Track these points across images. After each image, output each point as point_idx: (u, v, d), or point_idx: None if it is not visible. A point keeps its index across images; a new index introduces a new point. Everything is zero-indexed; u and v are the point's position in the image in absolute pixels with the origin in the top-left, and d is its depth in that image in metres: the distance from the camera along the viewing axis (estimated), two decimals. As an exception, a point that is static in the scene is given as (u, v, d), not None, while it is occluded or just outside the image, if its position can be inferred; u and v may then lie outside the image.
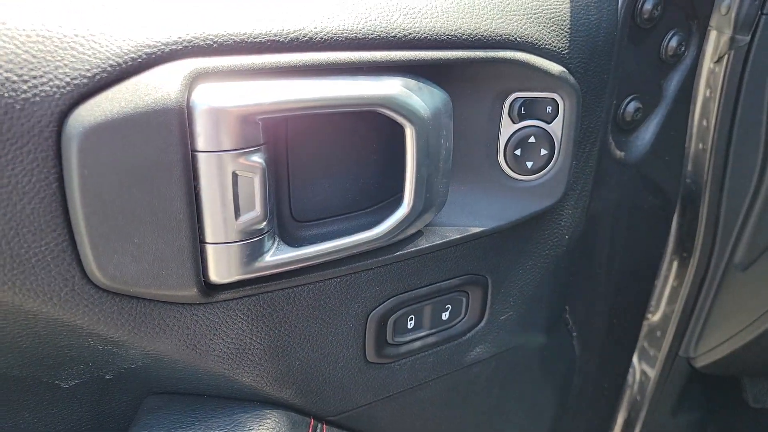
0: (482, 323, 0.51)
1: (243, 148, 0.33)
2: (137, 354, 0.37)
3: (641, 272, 0.71)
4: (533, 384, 0.61)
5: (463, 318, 0.50)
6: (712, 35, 0.55)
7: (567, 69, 0.44)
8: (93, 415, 0.41)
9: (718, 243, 0.65)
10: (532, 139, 0.45)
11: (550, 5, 0.44)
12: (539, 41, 0.43)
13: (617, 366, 0.78)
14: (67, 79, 0.29)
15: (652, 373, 0.78)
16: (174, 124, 0.30)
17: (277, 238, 0.38)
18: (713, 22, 0.55)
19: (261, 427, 0.40)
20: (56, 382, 0.38)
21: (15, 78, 0.28)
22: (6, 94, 0.28)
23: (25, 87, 0.28)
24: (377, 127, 0.41)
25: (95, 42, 0.30)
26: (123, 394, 0.41)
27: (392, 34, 0.37)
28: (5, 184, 0.29)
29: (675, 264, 0.70)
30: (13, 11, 0.29)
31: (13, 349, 0.35)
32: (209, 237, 0.34)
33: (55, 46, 0.29)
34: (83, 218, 0.31)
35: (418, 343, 0.48)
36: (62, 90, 0.29)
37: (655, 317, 0.76)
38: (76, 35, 0.30)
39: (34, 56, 0.29)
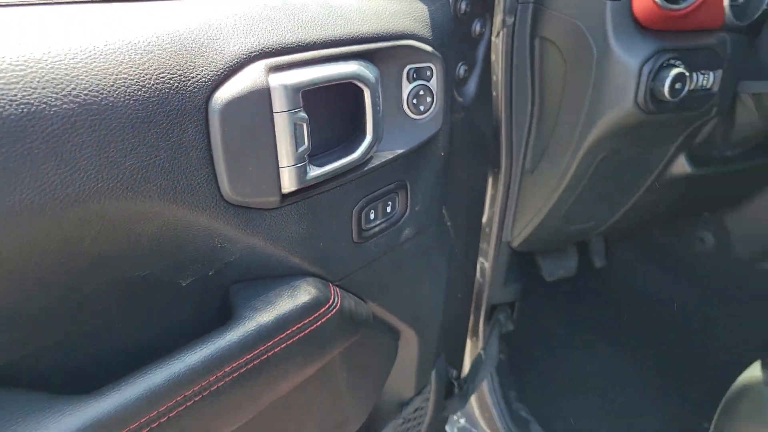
0: (407, 213, 0.81)
1: (295, 109, 0.57)
2: (238, 248, 0.59)
3: (476, 187, 1.06)
4: (437, 255, 0.93)
5: (397, 210, 0.79)
6: (496, 19, 0.91)
7: (434, 48, 0.75)
8: (198, 310, 0.61)
9: (513, 157, 1.02)
10: (421, 92, 0.75)
11: (422, 12, 0.75)
12: (419, 33, 0.73)
13: (471, 255, 1.13)
14: (209, 74, 0.51)
15: (488, 263, 1.15)
16: (264, 97, 0.54)
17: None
18: (495, 10, 0.90)
19: (309, 286, 0.65)
20: (178, 281, 0.58)
21: (185, 75, 0.50)
22: (181, 86, 0.49)
23: (190, 80, 0.50)
24: (346, 94, 0.68)
25: (220, 48, 0.52)
26: (218, 288, 0.62)
27: (351, 36, 0.64)
28: (179, 143, 0.50)
29: (490, 177, 1.06)
30: (170, 25, 0.50)
31: (156, 252, 0.53)
32: (283, 162, 0.58)
33: (200, 50, 0.51)
34: (222, 158, 0.53)
35: (377, 228, 0.76)
36: (207, 81, 0.51)
37: (484, 219, 1.12)
38: (209, 40, 0.52)
39: (189, 58, 0.50)
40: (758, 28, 0.90)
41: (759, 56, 0.89)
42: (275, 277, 0.65)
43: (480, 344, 1.23)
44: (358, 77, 0.63)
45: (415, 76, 0.74)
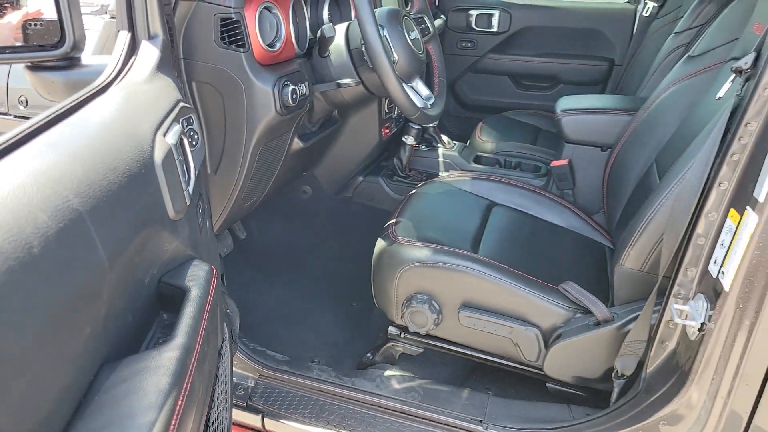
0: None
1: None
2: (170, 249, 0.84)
3: None
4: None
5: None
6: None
7: None
8: (142, 303, 0.76)
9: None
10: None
11: None
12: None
13: None
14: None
15: None
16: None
17: None
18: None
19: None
20: (145, 279, 0.79)
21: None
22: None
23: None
24: None
25: None
26: (153, 281, 0.80)
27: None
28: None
29: None
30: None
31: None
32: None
33: None
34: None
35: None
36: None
37: None
38: None
39: None
40: (310, 53, 1.51)
41: (316, 69, 1.51)
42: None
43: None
44: None
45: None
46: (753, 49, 1.03)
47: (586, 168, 1.85)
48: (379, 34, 1.30)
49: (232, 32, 1.24)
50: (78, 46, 0.95)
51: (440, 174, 2.08)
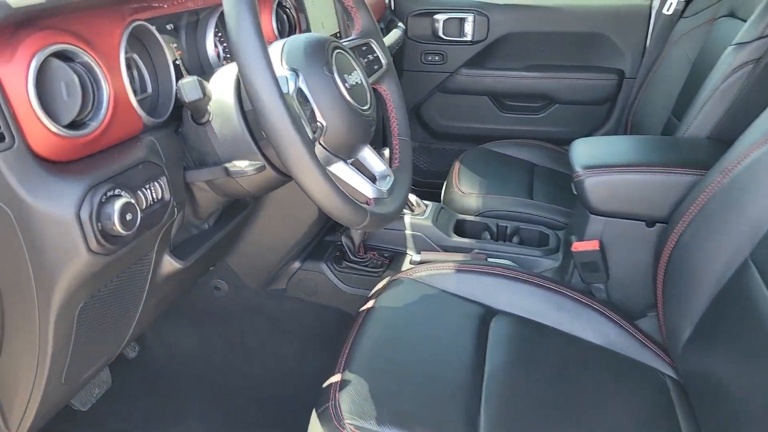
0: None
1: None
2: None
3: None
4: None
5: None
6: None
7: None
8: None
9: None
10: None
11: None
12: None
13: None
14: None
15: None
16: None
17: None
18: None
19: None
20: None
21: None
22: None
23: None
24: None
25: None
26: None
27: None
28: None
29: None
30: None
31: None
32: None
33: None
34: None
35: None
36: None
37: None
38: None
39: None
40: (178, 117, 0.88)
41: (191, 145, 0.87)
42: None
43: None
44: None
45: None
46: None
47: (625, 251, 1.26)
48: (278, 91, 0.68)
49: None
50: None
51: (408, 255, 1.46)
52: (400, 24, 2.02)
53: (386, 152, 1.06)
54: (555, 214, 1.59)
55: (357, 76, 0.89)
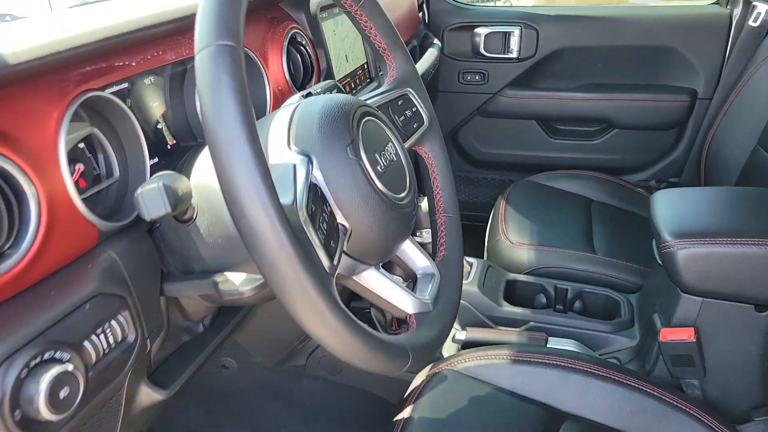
0: None
1: None
2: None
3: None
4: None
5: None
6: None
7: None
8: None
9: None
10: None
11: None
12: None
13: None
14: None
15: None
16: None
17: None
18: None
19: None
20: None
21: None
22: None
23: None
24: None
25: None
26: None
27: None
28: None
29: None
30: None
31: None
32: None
33: None
34: None
35: None
36: None
37: None
38: None
39: None
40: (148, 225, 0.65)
41: (170, 245, 0.65)
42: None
43: None
44: None
45: None
46: None
47: (727, 341, 1.00)
48: (275, 204, 0.44)
49: None
50: None
51: (451, 333, 1.23)
52: (435, 41, 1.77)
53: (426, 234, 0.82)
54: (624, 272, 1.33)
55: (392, 150, 0.66)
